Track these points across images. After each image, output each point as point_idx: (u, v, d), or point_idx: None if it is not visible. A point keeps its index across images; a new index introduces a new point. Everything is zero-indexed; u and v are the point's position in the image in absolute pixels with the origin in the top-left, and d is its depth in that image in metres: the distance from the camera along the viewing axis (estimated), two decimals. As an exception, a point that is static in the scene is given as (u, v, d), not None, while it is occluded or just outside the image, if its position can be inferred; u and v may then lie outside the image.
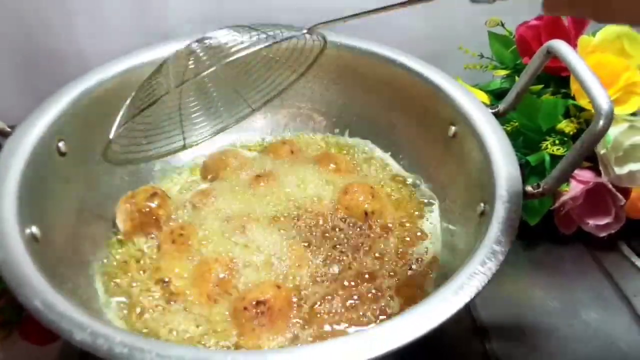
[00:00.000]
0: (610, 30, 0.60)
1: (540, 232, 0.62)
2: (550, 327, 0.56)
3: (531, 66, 0.52)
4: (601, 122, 0.43)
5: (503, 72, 0.70)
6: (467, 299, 0.39)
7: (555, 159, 0.59)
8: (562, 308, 0.58)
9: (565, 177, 0.46)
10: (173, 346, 0.37)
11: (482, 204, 0.49)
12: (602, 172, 0.60)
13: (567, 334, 0.56)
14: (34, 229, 0.46)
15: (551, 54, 0.50)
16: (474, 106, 0.55)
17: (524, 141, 0.62)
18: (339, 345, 0.36)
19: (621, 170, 0.58)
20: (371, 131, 0.67)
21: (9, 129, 0.53)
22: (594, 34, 0.63)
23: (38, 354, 0.55)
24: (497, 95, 0.70)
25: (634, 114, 0.59)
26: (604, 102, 0.43)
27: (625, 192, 0.60)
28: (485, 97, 0.68)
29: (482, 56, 0.73)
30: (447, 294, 0.39)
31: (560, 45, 0.49)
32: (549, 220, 0.63)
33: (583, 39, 0.61)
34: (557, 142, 0.60)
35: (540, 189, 0.47)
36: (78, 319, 0.38)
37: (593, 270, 0.62)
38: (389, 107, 0.65)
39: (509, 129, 0.62)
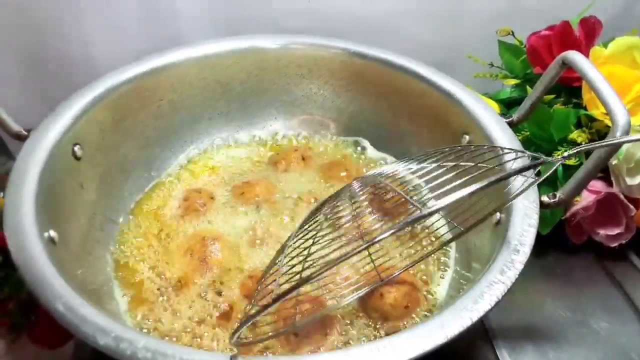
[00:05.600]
0: (621, 41, 0.61)
1: (551, 242, 0.63)
2: (560, 336, 0.57)
3: (546, 77, 0.52)
4: (618, 135, 0.43)
5: (513, 82, 0.70)
6: (487, 307, 0.39)
7: (567, 169, 0.60)
8: (572, 317, 0.58)
9: (582, 188, 0.47)
10: (197, 351, 0.37)
11: (497, 214, 0.50)
12: (614, 182, 0.60)
13: (577, 342, 0.56)
14: (52, 232, 0.46)
15: (566, 65, 0.50)
16: (488, 115, 0.56)
17: (536, 151, 0.63)
18: (367, 351, 0.36)
19: (633, 181, 0.59)
20: (382, 138, 0.68)
21: (25, 132, 0.53)
22: (605, 45, 0.63)
23: (47, 357, 0.55)
24: (507, 104, 0.71)
25: (646, 126, 0.59)
26: (621, 115, 0.43)
27: (636, 202, 0.60)
28: (495, 106, 0.68)
29: (492, 65, 0.74)
30: (468, 302, 0.39)
31: (576, 57, 0.49)
32: (560, 230, 0.63)
33: (595, 50, 0.61)
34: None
35: (557, 199, 0.48)
36: (101, 323, 0.38)
37: (603, 279, 0.62)
38: (400, 115, 0.65)
39: (520, 138, 0.62)
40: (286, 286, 0.37)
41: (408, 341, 0.37)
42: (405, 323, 0.51)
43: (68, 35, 0.74)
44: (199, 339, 0.49)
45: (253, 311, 0.39)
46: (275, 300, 0.37)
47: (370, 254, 0.49)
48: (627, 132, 0.43)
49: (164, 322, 0.50)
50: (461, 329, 0.38)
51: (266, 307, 0.37)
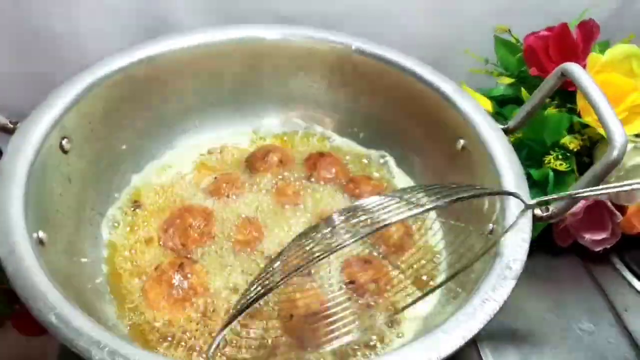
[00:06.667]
0: (619, 49, 0.61)
1: (537, 243, 0.63)
2: (542, 338, 0.58)
3: (544, 87, 0.52)
4: (615, 153, 0.44)
5: (508, 81, 0.70)
6: (480, 326, 0.40)
7: (558, 174, 0.61)
8: (555, 319, 0.60)
9: (575, 203, 0.47)
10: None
11: (490, 224, 0.50)
12: (602, 190, 0.61)
13: (558, 345, 0.58)
14: (41, 234, 0.46)
15: (565, 76, 0.50)
16: (484, 121, 0.56)
17: (528, 154, 0.63)
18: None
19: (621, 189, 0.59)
20: (377, 136, 0.67)
21: (11, 125, 0.51)
22: (601, 49, 0.63)
23: (31, 345, 0.55)
24: (499, 102, 0.71)
25: (638, 135, 0.60)
26: (619, 134, 0.43)
27: (622, 209, 0.62)
28: (488, 104, 0.68)
29: (487, 61, 0.73)
30: (460, 321, 0.40)
31: (575, 69, 0.49)
32: (546, 232, 0.64)
33: (592, 57, 0.61)
34: (560, 156, 0.61)
35: (549, 213, 0.48)
36: (95, 336, 0.37)
37: (586, 282, 0.63)
38: (396, 113, 0.65)
39: (512, 139, 0.62)
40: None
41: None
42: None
43: (52, 11, 0.71)
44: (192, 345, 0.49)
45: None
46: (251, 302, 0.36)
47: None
48: (623, 153, 0.44)
49: (152, 320, 0.50)
50: (454, 349, 0.39)
51: (241, 310, 0.37)
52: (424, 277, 0.55)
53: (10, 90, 0.68)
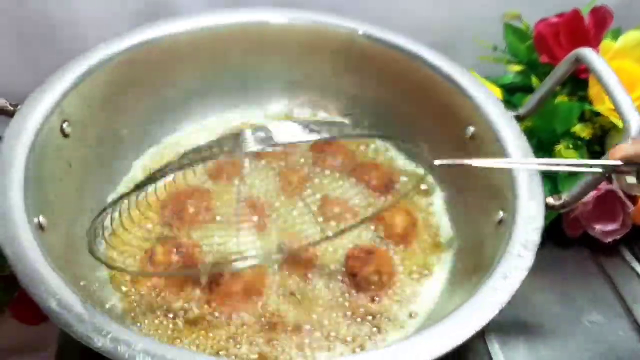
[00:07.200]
0: (632, 36, 0.59)
1: (546, 234, 0.63)
2: (551, 330, 0.57)
3: (557, 72, 0.51)
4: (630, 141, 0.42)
5: (518, 68, 0.69)
6: (490, 315, 0.39)
7: (568, 165, 0.59)
8: (563, 312, 0.59)
9: (589, 191, 0.47)
10: (199, 355, 0.36)
11: (500, 212, 0.49)
12: (614, 179, 0.60)
13: (567, 337, 0.57)
14: (41, 218, 0.45)
15: (579, 62, 0.49)
16: (495, 108, 0.54)
17: (538, 143, 0.62)
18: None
19: (633, 179, 0.58)
20: (384, 123, 0.66)
21: (11, 107, 0.50)
22: (614, 35, 0.62)
23: (30, 333, 0.54)
24: (509, 90, 0.69)
25: (651, 123, 0.59)
26: (635, 120, 0.42)
27: (634, 199, 0.61)
28: (497, 91, 0.67)
29: (496, 48, 0.72)
30: (470, 310, 0.39)
31: (589, 54, 0.48)
32: (555, 223, 0.63)
33: (605, 44, 0.60)
34: (570, 145, 0.60)
35: (562, 202, 0.47)
36: (97, 322, 0.37)
37: (595, 274, 0.62)
38: (403, 100, 0.63)
39: (522, 127, 0.61)
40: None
41: (408, 351, 0.37)
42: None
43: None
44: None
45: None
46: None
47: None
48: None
49: (154, 303, 0.50)
50: (462, 340, 0.38)
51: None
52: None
53: (10, 77, 0.67)
